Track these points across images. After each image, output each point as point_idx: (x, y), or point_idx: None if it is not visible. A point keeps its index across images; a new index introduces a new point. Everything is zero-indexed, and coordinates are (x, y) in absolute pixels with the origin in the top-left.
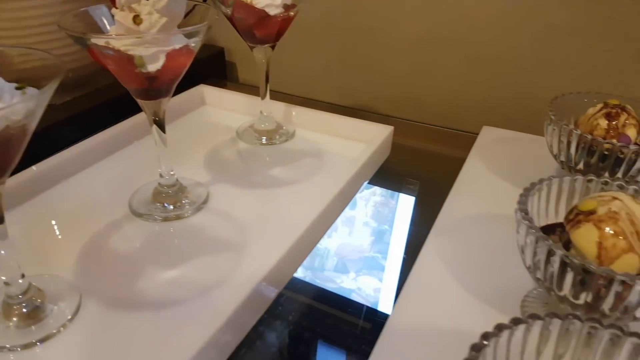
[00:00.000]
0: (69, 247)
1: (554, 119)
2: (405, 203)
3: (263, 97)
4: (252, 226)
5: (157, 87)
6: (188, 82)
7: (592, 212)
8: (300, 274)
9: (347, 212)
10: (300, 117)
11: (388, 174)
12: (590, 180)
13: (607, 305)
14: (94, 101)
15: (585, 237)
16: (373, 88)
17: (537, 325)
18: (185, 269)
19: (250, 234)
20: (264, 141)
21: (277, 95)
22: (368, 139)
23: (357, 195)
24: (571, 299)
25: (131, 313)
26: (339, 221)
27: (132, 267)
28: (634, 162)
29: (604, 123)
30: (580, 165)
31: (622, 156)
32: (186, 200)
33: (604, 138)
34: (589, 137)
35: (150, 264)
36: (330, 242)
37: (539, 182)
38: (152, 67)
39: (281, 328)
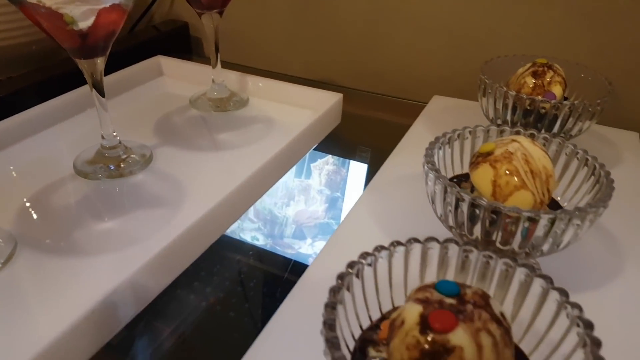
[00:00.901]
0: (10, 201)
1: (484, 79)
2: (358, 170)
3: (214, 66)
4: (192, 184)
5: (90, 44)
6: (150, 56)
7: (490, 154)
8: (261, 242)
9: (303, 181)
10: (254, 85)
11: (342, 143)
12: (503, 131)
13: (516, 243)
14: (52, 72)
15: (481, 177)
16: (333, 61)
17: (416, 248)
18: (120, 221)
19: (189, 191)
20: (215, 108)
21: (240, 69)
22: (317, 106)
23: (312, 165)
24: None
25: (63, 259)
26: (295, 190)
27: (69, 221)
28: (556, 117)
29: (530, 81)
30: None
31: (543, 112)
32: (129, 161)
33: (531, 95)
34: (513, 93)
35: (87, 218)
36: (288, 210)
37: (451, 132)
38: (83, 24)
39: (239, 292)
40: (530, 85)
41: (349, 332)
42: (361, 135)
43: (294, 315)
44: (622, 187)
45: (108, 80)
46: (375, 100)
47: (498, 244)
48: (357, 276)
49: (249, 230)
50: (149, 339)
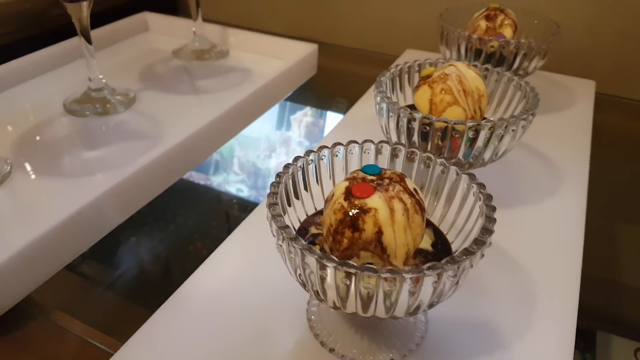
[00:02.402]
0: (6, 134)
1: (442, 24)
2: (335, 120)
3: (195, 18)
4: (170, 122)
5: None
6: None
7: (429, 76)
8: (245, 193)
9: (283, 133)
10: (235, 38)
11: (319, 95)
12: (452, 65)
13: (461, 152)
14: (44, 27)
15: (421, 97)
16: (311, 18)
17: (355, 149)
18: (103, 150)
19: (166, 127)
20: (197, 58)
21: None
22: (294, 56)
23: (292, 117)
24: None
25: (51, 178)
26: (277, 142)
27: (59, 150)
28: (504, 57)
29: (483, 24)
30: None
31: (491, 50)
32: (114, 101)
33: (490, 37)
34: (466, 34)
35: (75, 147)
36: (270, 162)
37: (403, 64)
38: None
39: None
40: (483, 28)
41: (295, 216)
42: (338, 88)
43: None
44: (570, 125)
45: (97, 34)
46: (351, 54)
47: (461, 157)
48: (301, 169)
49: (233, 183)
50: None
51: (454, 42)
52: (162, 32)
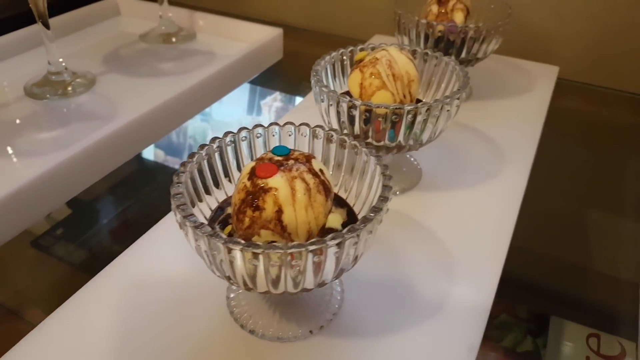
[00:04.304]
0: None
1: (395, 11)
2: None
3: (161, 3)
4: (128, 102)
5: None
6: None
7: (361, 61)
8: None
9: (254, 118)
10: (202, 21)
11: (288, 80)
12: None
13: (401, 136)
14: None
15: (353, 81)
16: (287, 3)
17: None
18: (62, 130)
19: (123, 107)
20: (163, 42)
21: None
22: (259, 40)
23: (262, 102)
24: (373, 142)
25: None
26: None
27: (19, 132)
28: (454, 41)
29: (435, 9)
30: None
31: (439, 35)
32: (74, 84)
33: (437, 22)
34: (415, 19)
35: (35, 128)
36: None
37: (336, 51)
38: None
39: None
40: (435, 13)
41: (214, 199)
42: (307, 72)
43: None
44: (525, 110)
45: (68, 18)
46: (323, 39)
47: (372, 140)
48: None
49: None
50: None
51: (406, 27)
52: (134, 15)
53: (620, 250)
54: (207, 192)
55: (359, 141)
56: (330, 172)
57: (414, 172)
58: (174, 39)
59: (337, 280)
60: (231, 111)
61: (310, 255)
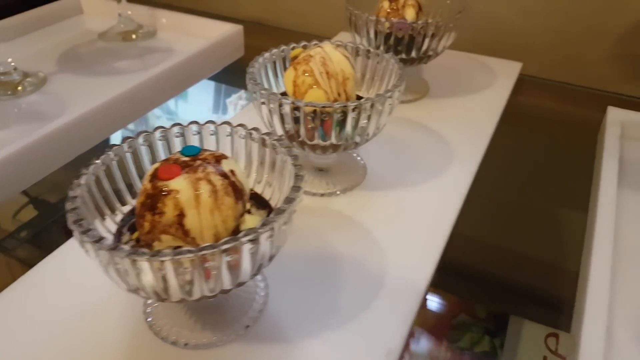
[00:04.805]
0: None
1: (347, 7)
2: None
3: (119, 1)
4: (78, 100)
5: None
6: None
7: (296, 58)
8: None
9: (220, 116)
10: (162, 19)
11: None
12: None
13: (333, 136)
14: None
15: (287, 79)
16: (251, 3)
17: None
18: (13, 130)
19: (73, 105)
20: (122, 40)
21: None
22: (215, 37)
23: (228, 101)
24: (306, 140)
25: None
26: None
27: None
28: (403, 38)
29: (386, 5)
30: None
31: (388, 31)
32: (25, 84)
33: (386, 19)
34: (365, 15)
35: None
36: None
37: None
38: None
39: None
40: (387, 10)
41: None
42: None
43: None
44: (481, 107)
45: (29, 16)
46: (290, 36)
47: (304, 139)
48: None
49: None
50: None
51: (357, 24)
52: (96, 14)
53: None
54: (120, 198)
55: (281, 140)
56: (255, 173)
57: (359, 171)
58: (133, 37)
59: (261, 278)
60: (196, 110)
61: (224, 256)
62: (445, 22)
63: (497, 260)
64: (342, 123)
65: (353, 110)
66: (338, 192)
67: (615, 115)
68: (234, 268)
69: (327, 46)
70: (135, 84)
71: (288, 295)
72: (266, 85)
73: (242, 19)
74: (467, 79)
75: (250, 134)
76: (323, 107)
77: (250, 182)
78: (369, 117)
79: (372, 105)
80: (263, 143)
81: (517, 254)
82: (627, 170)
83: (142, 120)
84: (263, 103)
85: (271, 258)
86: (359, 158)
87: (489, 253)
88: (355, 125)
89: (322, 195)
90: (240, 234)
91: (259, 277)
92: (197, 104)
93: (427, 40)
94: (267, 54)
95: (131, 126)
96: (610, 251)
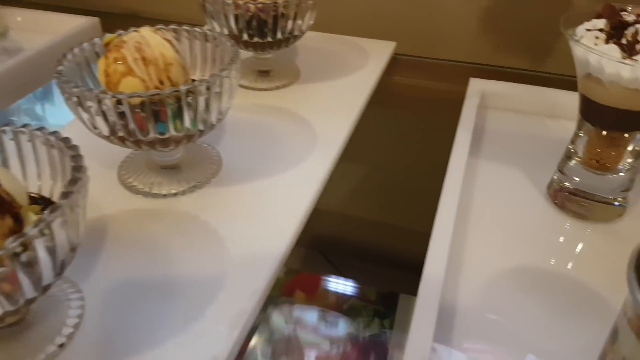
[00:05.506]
0: None
1: None
2: None
3: None
4: None
5: None
6: None
7: (108, 45)
8: None
9: None
10: (17, 17)
11: None
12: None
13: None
14: None
15: (99, 69)
16: None
17: None
18: None
19: None
20: None
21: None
22: (67, 31)
23: None
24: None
25: None
26: None
27: None
28: (262, 19)
29: None
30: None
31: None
32: None
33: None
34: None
35: None
36: None
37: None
38: None
39: None
40: None
41: None
42: None
43: None
44: (349, 89)
45: None
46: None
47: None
48: None
49: None
50: None
51: (212, 10)
52: None
53: None
54: None
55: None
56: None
57: (211, 165)
58: None
59: (77, 297)
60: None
61: (15, 259)
62: (296, 3)
63: (388, 240)
64: (179, 111)
65: (187, 95)
66: (185, 192)
67: (476, 86)
68: (32, 269)
69: (144, 30)
70: None
71: (110, 310)
72: (91, 85)
73: (118, 12)
74: (340, 62)
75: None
76: (133, 96)
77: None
78: (207, 102)
79: (208, 88)
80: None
81: (404, 230)
82: (485, 138)
83: None
84: (78, 104)
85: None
86: (213, 151)
87: (381, 233)
88: (195, 112)
89: (164, 196)
90: (28, 227)
91: (74, 294)
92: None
93: (282, 22)
94: (76, 49)
95: None
96: (453, 217)
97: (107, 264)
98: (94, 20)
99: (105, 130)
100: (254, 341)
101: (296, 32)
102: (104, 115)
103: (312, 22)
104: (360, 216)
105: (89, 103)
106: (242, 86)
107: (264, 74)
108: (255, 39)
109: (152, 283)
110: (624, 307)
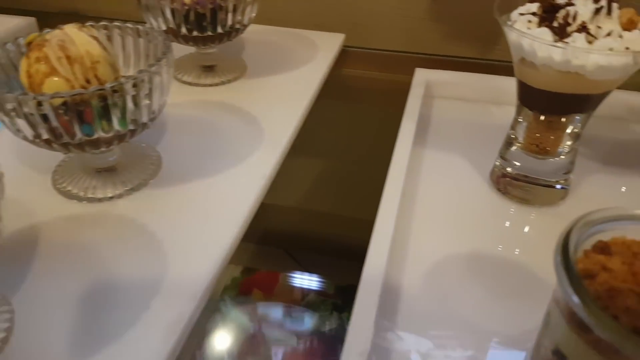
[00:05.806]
0: None
1: None
2: None
3: None
4: None
5: None
6: None
7: (30, 44)
8: None
9: None
10: None
11: None
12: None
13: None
14: None
15: (21, 70)
16: None
17: None
18: None
19: None
20: None
21: None
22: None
23: None
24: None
25: None
26: None
27: None
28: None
29: None
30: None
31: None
32: None
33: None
34: None
35: None
36: None
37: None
38: None
39: None
40: None
41: None
42: None
43: None
44: (298, 81)
45: None
46: None
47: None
48: None
49: None
50: None
51: (147, 5)
52: None
53: None
54: None
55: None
56: None
57: (150, 166)
58: None
59: (6, 309)
60: None
61: None
62: None
63: (346, 232)
64: (105, 111)
65: (113, 93)
66: (121, 194)
67: (421, 76)
68: None
69: (69, 28)
70: None
71: (42, 322)
72: (19, 88)
73: (56, 11)
74: (288, 55)
75: None
76: (55, 97)
77: None
78: (135, 100)
79: (135, 85)
80: None
81: (360, 221)
82: (431, 127)
83: None
84: None
85: None
86: (152, 151)
87: (339, 225)
88: (123, 112)
89: (99, 200)
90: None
91: (2, 306)
92: None
93: (229, 15)
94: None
95: None
96: (396, 205)
97: (38, 273)
98: (30, 20)
99: (29, 133)
100: (216, 343)
101: (237, 26)
102: (27, 118)
103: (254, 14)
104: (319, 210)
105: (9, 106)
106: (185, 82)
107: (209, 69)
108: (195, 33)
109: (87, 292)
110: (554, 292)
